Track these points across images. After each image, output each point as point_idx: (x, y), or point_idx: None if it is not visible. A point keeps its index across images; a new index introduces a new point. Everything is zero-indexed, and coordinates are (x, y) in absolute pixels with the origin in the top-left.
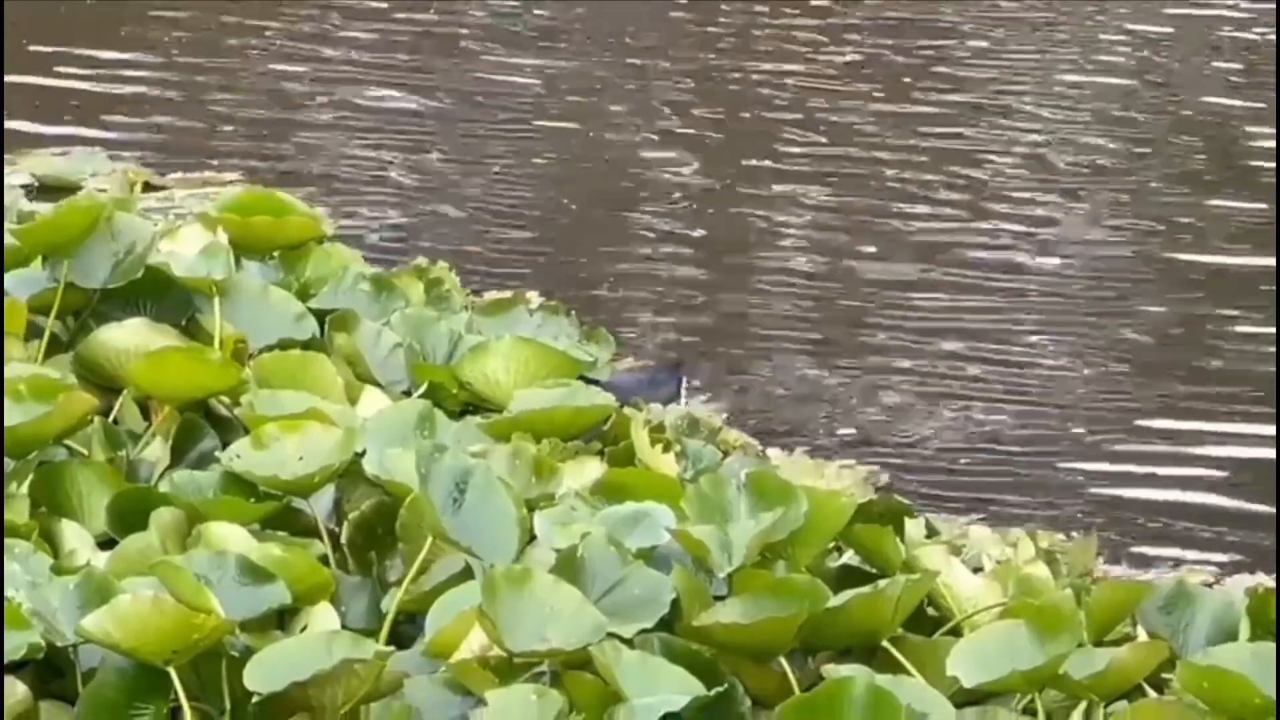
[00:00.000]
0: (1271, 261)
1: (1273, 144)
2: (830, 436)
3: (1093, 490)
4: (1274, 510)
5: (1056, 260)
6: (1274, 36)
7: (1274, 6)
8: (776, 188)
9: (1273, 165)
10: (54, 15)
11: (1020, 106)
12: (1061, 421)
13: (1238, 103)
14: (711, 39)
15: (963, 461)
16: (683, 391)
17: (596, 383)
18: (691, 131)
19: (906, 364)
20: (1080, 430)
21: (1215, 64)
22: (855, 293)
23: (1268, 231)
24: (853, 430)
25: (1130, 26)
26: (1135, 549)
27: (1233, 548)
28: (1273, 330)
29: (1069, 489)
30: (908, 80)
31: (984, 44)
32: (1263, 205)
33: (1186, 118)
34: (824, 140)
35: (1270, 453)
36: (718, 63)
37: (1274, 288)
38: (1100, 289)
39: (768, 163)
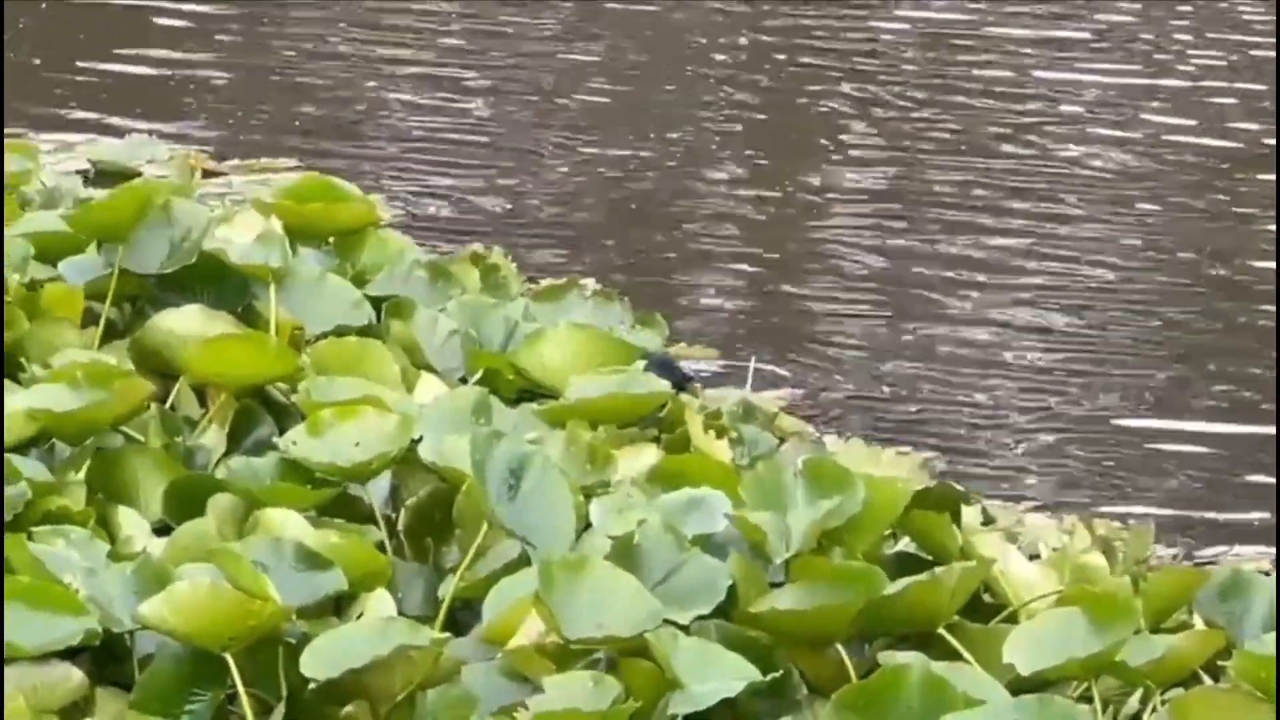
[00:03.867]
0: None
1: None
2: (884, 424)
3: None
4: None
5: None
6: None
7: None
8: (836, 173)
9: None
10: (110, 7)
11: None
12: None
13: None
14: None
15: (1021, 448)
16: (749, 378)
17: None
18: (748, 114)
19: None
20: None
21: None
22: (915, 285)
23: None
24: (906, 417)
25: None
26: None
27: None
28: None
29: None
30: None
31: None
32: None
33: None
34: (884, 126)
35: None
36: (770, 45)
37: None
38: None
39: (826, 147)
